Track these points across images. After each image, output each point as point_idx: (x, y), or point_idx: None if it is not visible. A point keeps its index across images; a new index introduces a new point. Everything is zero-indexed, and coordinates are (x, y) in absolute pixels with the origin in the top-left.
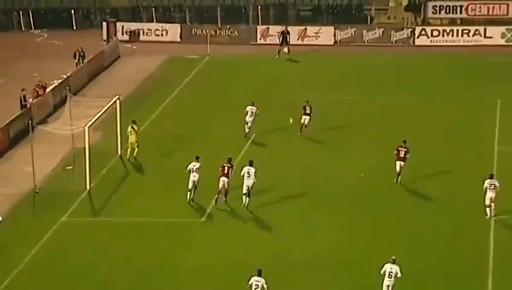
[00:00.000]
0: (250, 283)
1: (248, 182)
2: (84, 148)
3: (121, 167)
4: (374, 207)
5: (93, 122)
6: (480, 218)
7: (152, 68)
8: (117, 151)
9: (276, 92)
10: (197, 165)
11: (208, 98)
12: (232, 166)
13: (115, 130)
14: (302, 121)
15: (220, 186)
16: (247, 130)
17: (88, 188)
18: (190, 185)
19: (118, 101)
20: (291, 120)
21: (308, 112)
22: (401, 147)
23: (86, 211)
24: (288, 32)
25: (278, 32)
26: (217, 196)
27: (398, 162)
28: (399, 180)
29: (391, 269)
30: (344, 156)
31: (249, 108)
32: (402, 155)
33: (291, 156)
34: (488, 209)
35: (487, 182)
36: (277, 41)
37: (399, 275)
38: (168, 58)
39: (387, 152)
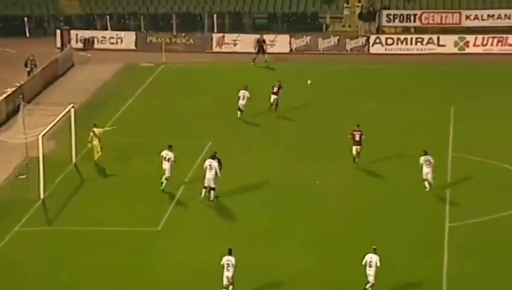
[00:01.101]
0: (222, 263)
1: (209, 174)
2: (38, 157)
3: (76, 175)
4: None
5: (47, 130)
6: (437, 225)
7: (107, 76)
8: (71, 160)
9: (232, 99)
10: (170, 154)
11: (163, 106)
12: (219, 160)
13: (69, 139)
14: (271, 100)
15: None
16: (239, 114)
17: (42, 197)
18: (167, 174)
19: (72, 110)
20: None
21: (275, 91)
22: (356, 131)
23: (40, 221)
24: (264, 41)
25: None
26: (205, 191)
27: (354, 147)
28: (356, 162)
29: (371, 258)
30: (306, 160)
31: (241, 92)
32: (357, 139)
33: (250, 164)
34: (426, 183)
35: (422, 159)
36: (232, 49)
37: (378, 264)
38: (123, 66)
39: (343, 156)
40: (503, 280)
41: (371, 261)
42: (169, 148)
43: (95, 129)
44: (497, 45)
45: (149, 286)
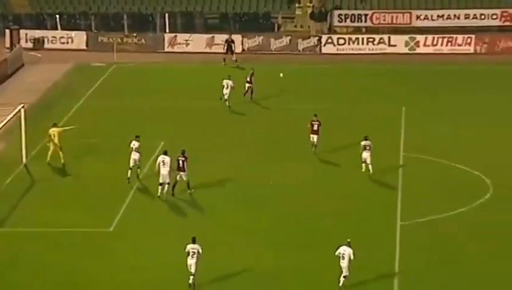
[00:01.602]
0: (186, 250)
1: (164, 170)
2: None
3: (26, 176)
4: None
5: None
6: (389, 224)
7: (57, 76)
8: (22, 160)
9: (185, 99)
10: (137, 144)
11: (115, 106)
12: (186, 158)
13: (19, 139)
14: (245, 88)
15: (177, 179)
16: (227, 104)
17: None
18: (131, 164)
19: (22, 110)
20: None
21: (248, 80)
22: (314, 120)
23: None
24: (232, 41)
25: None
26: (172, 191)
27: (311, 135)
28: (314, 151)
29: (344, 251)
30: (263, 159)
31: (225, 81)
32: (315, 128)
33: (205, 163)
34: (363, 165)
35: (362, 143)
36: (184, 49)
37: (352, 257)
38: (73, 66)
39: (299, 154)
40: (453, 278)
41: (343, 254)
42: (137, 138)
43: (53, 129)
44: (447, 45)
45: (101, 287)
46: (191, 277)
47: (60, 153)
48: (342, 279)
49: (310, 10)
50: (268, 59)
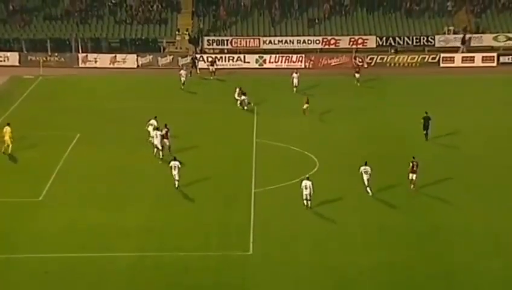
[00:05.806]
0: (170, 165)
1: (156, 141)
2: None
3: None
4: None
5: None
6: (246, 191)
7: None
8: None
9: (94, 101)
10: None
11: (41, 107)
12: (168, 130)
13: None
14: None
15: (167, 144)
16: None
17: None
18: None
19: None
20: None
21: (242, 92)
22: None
23: None
24: (196, 58)
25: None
26: (161, 154)
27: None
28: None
29: (306, 183)
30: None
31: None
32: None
33: (115, 149)
34: None
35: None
36: (94, 65)
37: (312, 187)
38: (10, 78)
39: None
40: (297, 226)
41: (306, 185)
42: (155, 117)
43: (6, 128)
44: (285, 62)
45: (31, 245)
46: (176, 182)
47: (10, 145)
48: (309, 201)
49: (187, 36)
50: (156, 72)
